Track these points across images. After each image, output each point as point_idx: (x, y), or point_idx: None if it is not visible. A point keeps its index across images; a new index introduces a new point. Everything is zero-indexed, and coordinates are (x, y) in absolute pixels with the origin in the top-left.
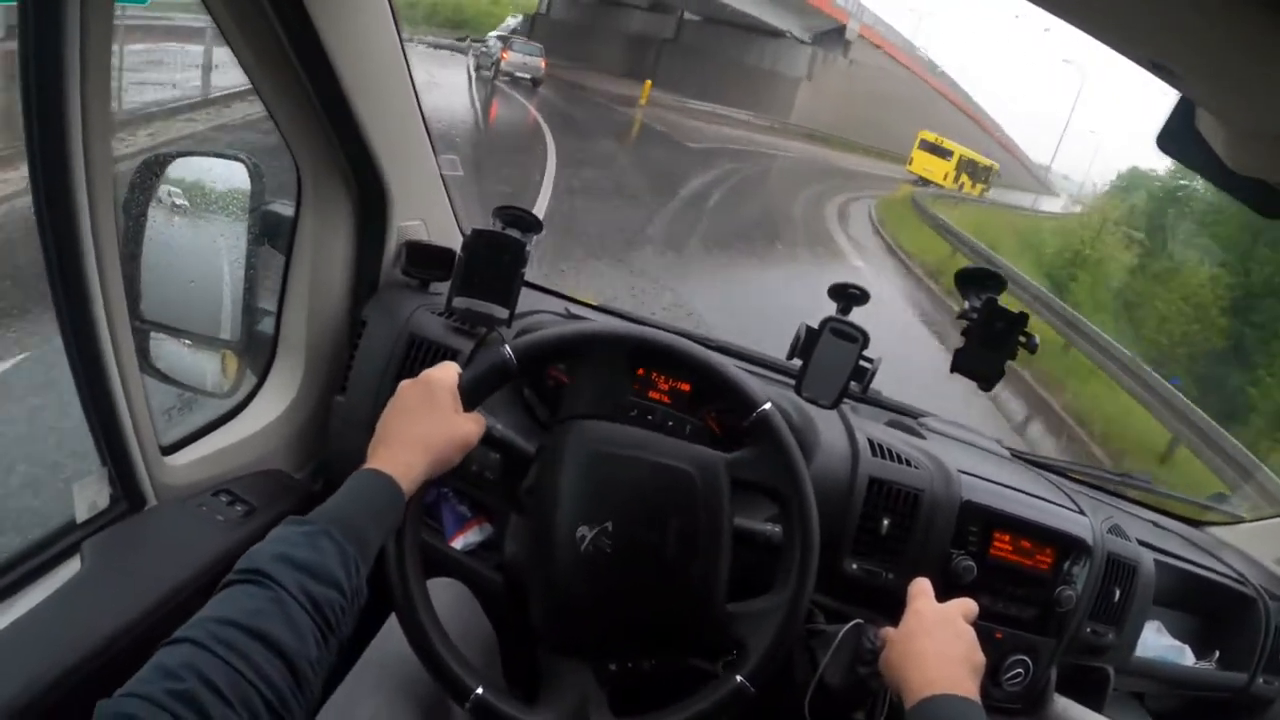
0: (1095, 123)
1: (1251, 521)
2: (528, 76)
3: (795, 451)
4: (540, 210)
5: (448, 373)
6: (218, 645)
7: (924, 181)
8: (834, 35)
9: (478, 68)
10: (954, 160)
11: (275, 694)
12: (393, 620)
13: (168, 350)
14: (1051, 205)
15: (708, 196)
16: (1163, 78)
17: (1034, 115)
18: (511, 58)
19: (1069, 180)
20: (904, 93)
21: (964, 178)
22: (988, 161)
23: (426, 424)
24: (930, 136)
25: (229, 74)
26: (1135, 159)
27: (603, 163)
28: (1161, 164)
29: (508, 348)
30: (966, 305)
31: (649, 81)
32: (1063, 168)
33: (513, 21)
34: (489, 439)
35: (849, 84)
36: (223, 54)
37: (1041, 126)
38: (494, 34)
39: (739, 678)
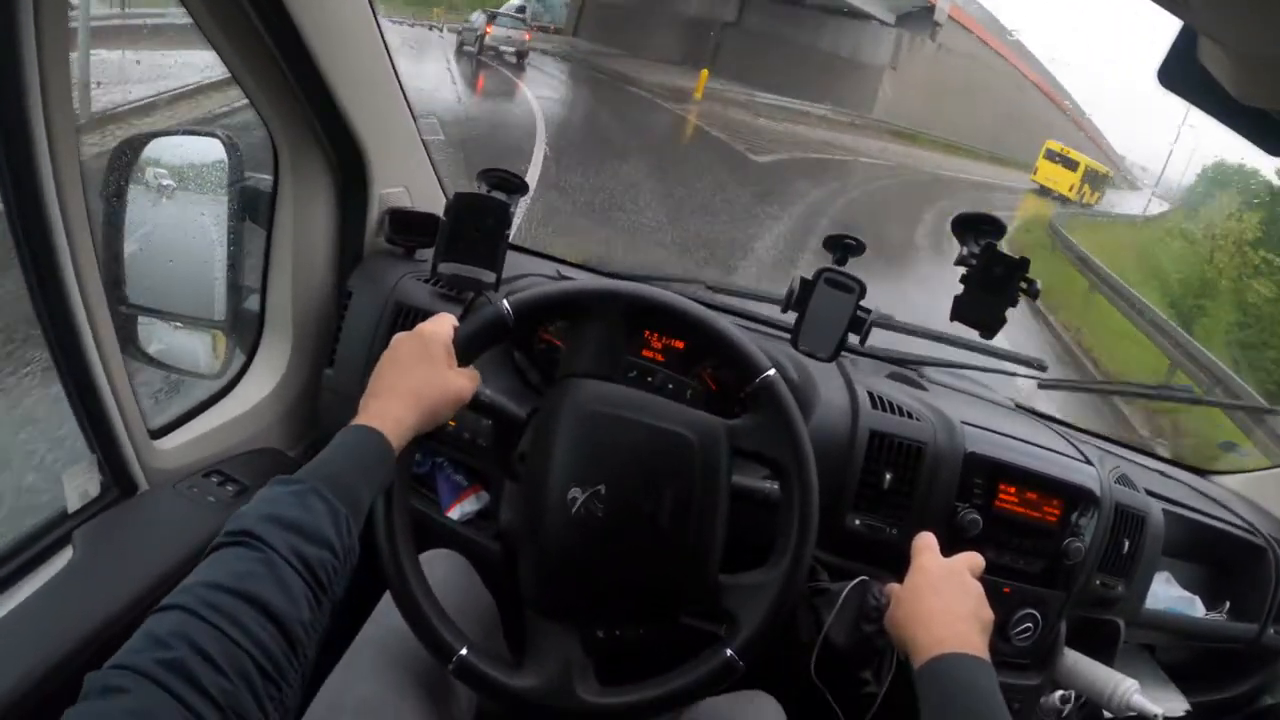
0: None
1: (1260, 470)
2: (512, 50)
3: (798, 421)
4: None
5: (443, 326)
6: (208, 610)
7: (1044, 190)
8: (921, 16)
9: (461, 44)
10: (1080, 171)
11: (268, 658)
12: (389, 595)
13: (156, 334)
14: (1158, 209)
15: (787, 272)
16: (1162, 4)
17: (1121, 105)
18: (495, 32)
19: (1146, 171)
20: (996, 83)
21: (1085, 187)
22: (1105, 169)
23: (419, 377)
24: (1056, 146)
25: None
26: (1225, 151)
27: (611, 214)
28: (1254, 155)
29: (505, 302)
30: (965, 251)
31: (705, 71)
32: (1146, 160)
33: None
34: (479, 404)
35: (938, 73)
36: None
37: (1128, 117)
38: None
39: (729, 651)
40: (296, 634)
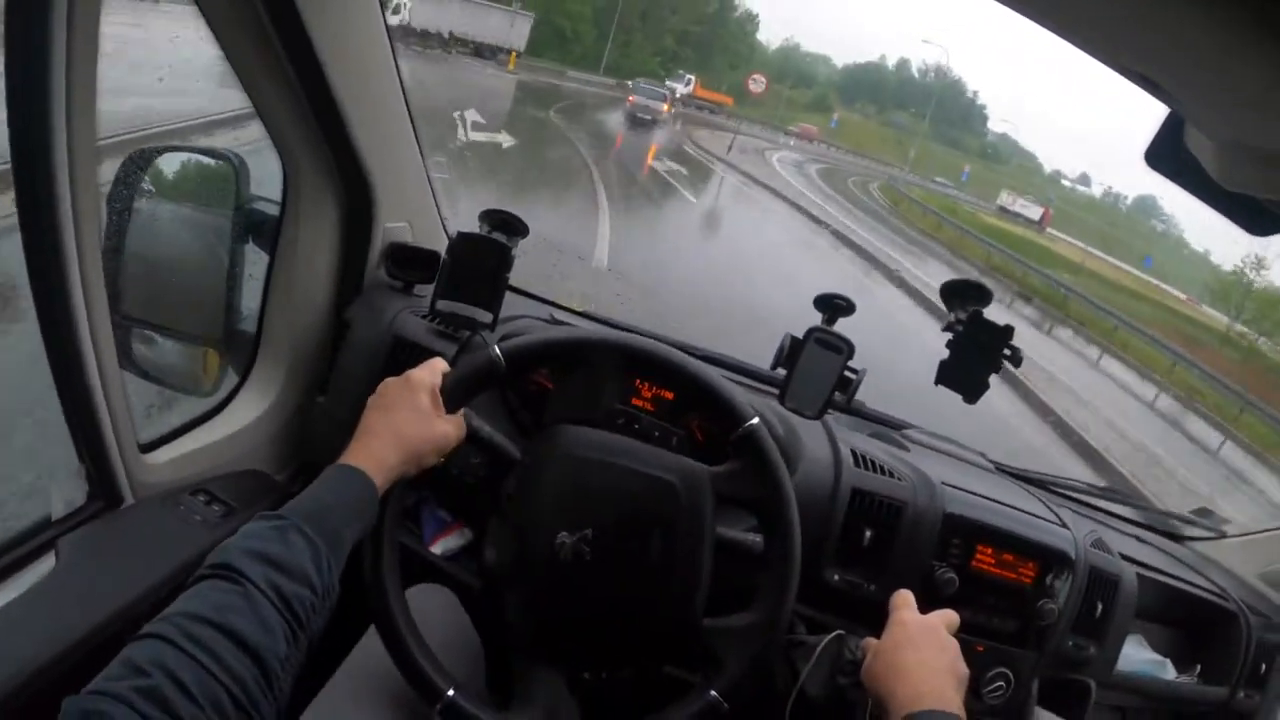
0: None
1: (1233, 537)
2: (649, 117)
3: (781, 469)
4: None
5: (431, 372)
6: (186, 641)
7: None
8: None
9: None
10: None
11: (243, 691)
12: (374, 630)
13: (149, 347)
14: None
15: None
16: (1149, 91)
17: None
18: (636, 100)
19: None
20: None
21: None
22: None
23: (404, 422)
24: None
25: None
26: None
27: None
28: None
29: (497, 349)
30: (953, 317)
31: None
32: None
33: None
34: (477, 440)
35: None
36: None
37: None
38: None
39: (713, 693)
40: (271, 666)
